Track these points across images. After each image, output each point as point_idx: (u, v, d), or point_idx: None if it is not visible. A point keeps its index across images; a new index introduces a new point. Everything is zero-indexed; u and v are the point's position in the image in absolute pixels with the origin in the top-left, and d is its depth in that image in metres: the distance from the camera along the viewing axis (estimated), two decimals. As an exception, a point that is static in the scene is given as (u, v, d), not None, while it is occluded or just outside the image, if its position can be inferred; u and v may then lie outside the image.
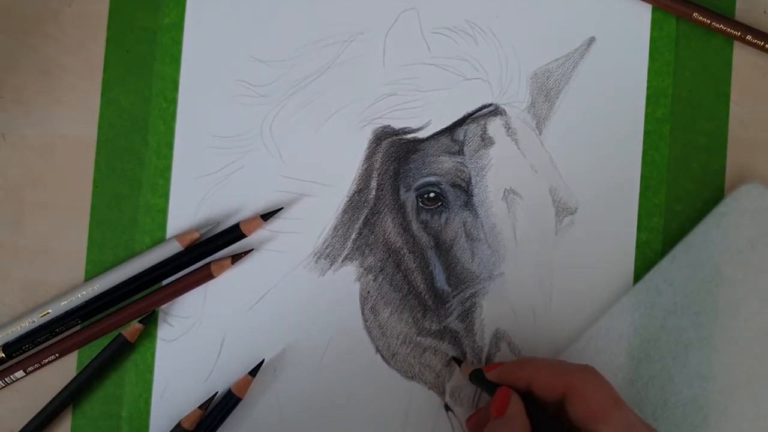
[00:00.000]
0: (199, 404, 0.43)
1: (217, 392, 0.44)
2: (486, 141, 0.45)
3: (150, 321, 0.44)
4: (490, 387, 0.40)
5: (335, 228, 0.45)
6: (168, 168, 0.45)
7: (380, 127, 0.45)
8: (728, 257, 0.44)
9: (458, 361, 0.44)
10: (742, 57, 0.46)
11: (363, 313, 0.45)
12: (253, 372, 0.43)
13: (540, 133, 0.45)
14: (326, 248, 0.45)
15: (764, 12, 0.46)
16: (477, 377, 0.42)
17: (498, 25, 0.46)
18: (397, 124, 0.45)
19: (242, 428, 0.44)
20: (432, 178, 0.45)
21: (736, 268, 0.44)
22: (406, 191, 0.45)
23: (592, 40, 0.46)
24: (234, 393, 0.43)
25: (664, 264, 0.44)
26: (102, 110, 0.46)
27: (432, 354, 0.45)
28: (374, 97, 0.45)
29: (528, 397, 0.39)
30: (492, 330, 0.44)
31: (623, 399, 0.37)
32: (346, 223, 0.45)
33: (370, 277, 0.45)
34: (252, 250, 0.45)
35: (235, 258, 0.44)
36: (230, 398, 0.43)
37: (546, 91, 0.46)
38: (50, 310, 0.44)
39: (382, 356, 0.45)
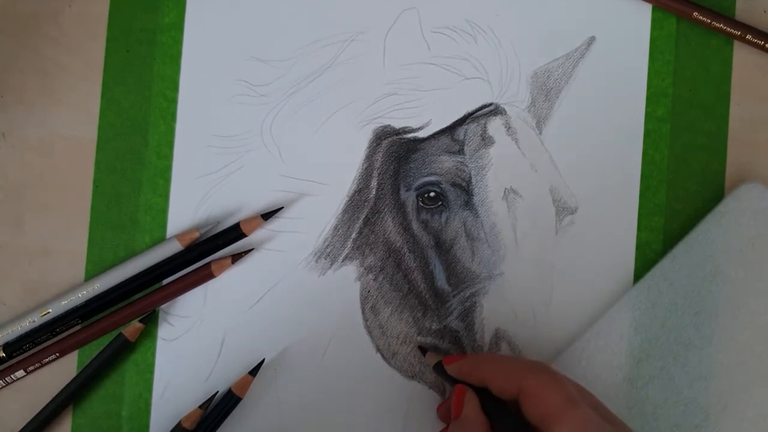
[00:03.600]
0: (200, 404, 0.43)
1: (217, 392, 0.44)
2: (486, 140, 0.45)
3: (150, 320, 0.44)
4: (452, 380, 0.40)
5: (335, 227, 0.45)
6: (168, 168, 0.45)
7: (380, 127, 0.45)
8: (728, 256, 0.44)
9: (423, 351, 0.44)
10: (742, 57, 0.46)
11: (363, 313, 0.45)
12: (254, 372, 0.43)
13: (540, 133, 0.45)
14: (326, 248, 0.45)
15: (764, 11, 0.46)
16: (440, 369, 0.41)
17: (498, 24, 0.46)
18: (398, 124, 0.45)
19: (242, 428, 0.44)
20: (432, 178, 0.45)
21: (737, 267, 0.44)
22: (406, 191, 0.45)
23: (592, 39, 0.46)
24: (234, 393, 0.43)
25: (665, 263, 0.44)
26: (102, 110, 0.46)
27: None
28: (374, 97, 0.45)
29: (489, 392, 0.38)
30: (492, 329, 0.44)
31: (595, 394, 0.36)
32: (347, 222, 0.45)
33: (371, 276, 0.45)
34: (252, 249, 0.45)
35: (236, 257, 0.44)
36: (230, 398, 0.43)
37: (546, 91, 0.46)
38: (50, 310, 0.44)
39: (383, 356, 0.45)
